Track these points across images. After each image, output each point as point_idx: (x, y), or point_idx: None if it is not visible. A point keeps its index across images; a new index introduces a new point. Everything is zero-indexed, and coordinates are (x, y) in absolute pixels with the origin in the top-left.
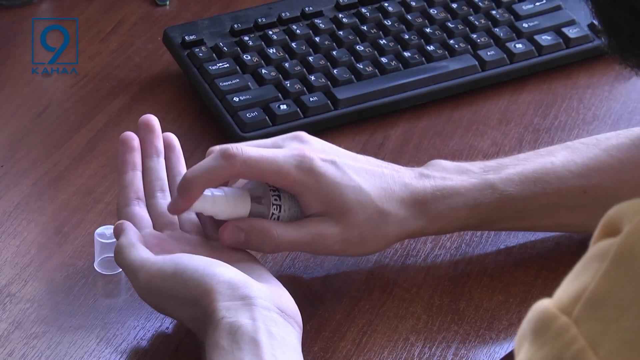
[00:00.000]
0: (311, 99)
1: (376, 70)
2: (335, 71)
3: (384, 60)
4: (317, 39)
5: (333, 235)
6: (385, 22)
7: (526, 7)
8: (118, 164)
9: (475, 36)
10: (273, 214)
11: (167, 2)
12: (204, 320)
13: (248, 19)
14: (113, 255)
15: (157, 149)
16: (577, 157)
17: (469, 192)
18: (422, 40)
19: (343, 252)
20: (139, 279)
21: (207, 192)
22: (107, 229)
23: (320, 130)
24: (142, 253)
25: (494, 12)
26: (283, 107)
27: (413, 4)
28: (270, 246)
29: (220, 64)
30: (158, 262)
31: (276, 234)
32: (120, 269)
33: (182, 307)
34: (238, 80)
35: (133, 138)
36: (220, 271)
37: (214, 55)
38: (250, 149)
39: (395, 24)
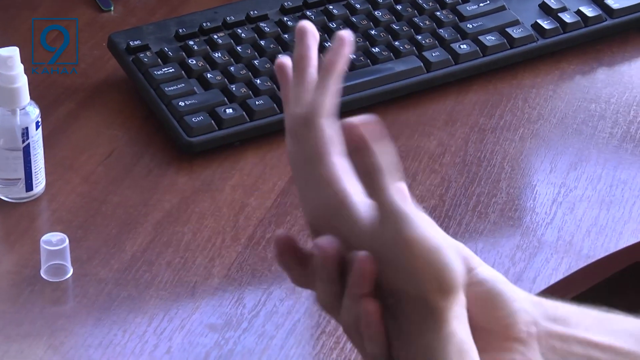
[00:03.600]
0: (257, 103)
1: None
2: None
3: None
4: (262, 42)
5: None
6: (330, 24)
7: (470, 8)
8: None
9: (420, 37)
10: None
11: (112, 8)
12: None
13: (193, 24)
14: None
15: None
16: None
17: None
18: (367, 42)
19: None
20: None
21: None
22: (53, 236)
23: (267, 133)
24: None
25: (438, 13)
26: (229, 111)
27: (358, 6)
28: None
29: (166, 69)
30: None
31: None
32: (69, 275)
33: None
34: (183, 84)
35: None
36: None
37: (159, 60)
38: None
39: (340, 27)
